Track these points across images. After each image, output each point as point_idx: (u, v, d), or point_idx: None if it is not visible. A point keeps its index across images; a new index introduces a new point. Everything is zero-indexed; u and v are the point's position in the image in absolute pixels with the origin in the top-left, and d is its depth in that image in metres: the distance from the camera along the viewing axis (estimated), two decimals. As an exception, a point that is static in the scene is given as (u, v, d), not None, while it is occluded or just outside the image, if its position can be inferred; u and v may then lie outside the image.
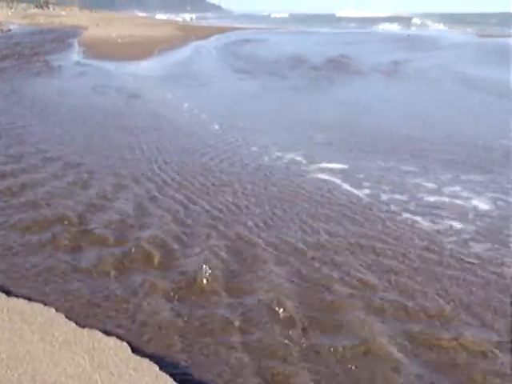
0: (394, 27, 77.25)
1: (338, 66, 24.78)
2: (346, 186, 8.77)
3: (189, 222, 7.08)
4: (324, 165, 9.92)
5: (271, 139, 11.60)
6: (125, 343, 4.25)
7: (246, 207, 7.70)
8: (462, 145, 11.50)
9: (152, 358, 4.14)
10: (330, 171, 9.55)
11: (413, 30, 63.50)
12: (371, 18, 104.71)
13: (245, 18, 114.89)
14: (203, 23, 75.10)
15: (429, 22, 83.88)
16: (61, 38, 38.47)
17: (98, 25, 50.00)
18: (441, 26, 74.51)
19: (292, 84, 20.08)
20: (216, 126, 12.86)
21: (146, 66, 26.11)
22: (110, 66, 24.07)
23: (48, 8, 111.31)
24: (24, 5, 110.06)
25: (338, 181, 9.03)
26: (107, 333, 4.41)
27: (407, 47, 35.91)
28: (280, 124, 13.42)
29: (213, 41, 40.32)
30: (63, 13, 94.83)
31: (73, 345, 4.17)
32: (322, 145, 11.49)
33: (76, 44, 34.00)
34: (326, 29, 64.19)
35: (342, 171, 9.55)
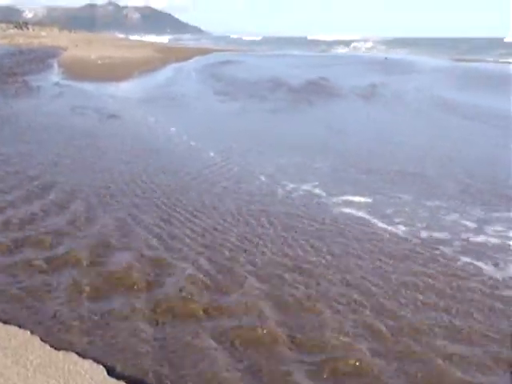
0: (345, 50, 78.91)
1: (316, 89, 25.03)
2: (380, 223, 8.10)
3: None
4: (346, 197, 9.28)
5: (274, 166, 11.19)
6: (101, 366, 4.20)
7: (281, 251, 6.92)
8: (468, 174, 11.00)
9: (128, 381, 4.10)
10: (355, 204, 8.94)
11: (390, 54, 64.43)
12: (343, 40, 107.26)
13: (219, 40, 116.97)
14: (183, 45, 75.47)
15: (382, 47, 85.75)
16: (40, 59, 38.32)
17: (77, 45, 49.95)
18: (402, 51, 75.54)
19: (273, 107, 20.18)
20: (211, 153, 12.29)
21: (126, 88, 26.14)
22: (89, 86, 24.06)
23: (27, 28, 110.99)
24: (3, 25, 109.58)
25: (367, 216, 8.37)
26: (83, 355, 4.35)
27: (383, 70, 36.40)
28: (275, 149, 13.00)
29: (192, 63, 40.49)
30: (43, 33, 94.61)
31: (48, 368, 4.11)
32: (331, 173, 11.00)
33: (55, 65, 33.91)
34: (300, 51, 65.07)
35: (366, 205, 8.93)
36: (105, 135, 14.04)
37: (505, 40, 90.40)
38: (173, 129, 15.09)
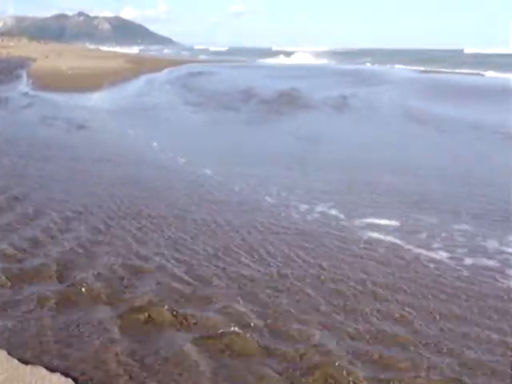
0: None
1: (289, 100, 25.18)
2: (415, 249, 7.44)
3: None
4: (369, 220, 8.59)
5: (277, 185, 10.61)
6: (70, 379, 4.12)
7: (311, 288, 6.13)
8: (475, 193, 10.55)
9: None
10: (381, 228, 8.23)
11: (360, 66, 65.24)
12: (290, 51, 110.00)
13: (186, 50, 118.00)
14: (154, 56, 75.28)
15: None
16: (8, 69, 37.86)
17: (47, 56, 49.50)
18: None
19: (247, 118, 20.27)
20: (207, 171, 11.55)
21: (97, 98, 25.95)
22: (59, 97, 23.81)
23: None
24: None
25: (398, 241, 7.68)
26: (51, 369, 4.27)
27: (353, 82, 36.87)
28: (265, 164, 12.57)
29: (164, 74, 40.44)
30: (11, 44, 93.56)
31: (15, 382, 4.02)
32: (346, 191, 10.47)
33: (24, 75, 33.53)
34: (267, 62, 65.63)
35: (394, 228, 8.21)
36: (73, 145, 13.89)
37: (465, 51, 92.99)
38: (145, 139, 15.00)
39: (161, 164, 12.22)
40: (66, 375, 4.19)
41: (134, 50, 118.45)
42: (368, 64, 71.37)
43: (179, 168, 11.89)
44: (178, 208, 8.91)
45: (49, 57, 48.91)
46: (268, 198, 9.70)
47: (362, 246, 7.50)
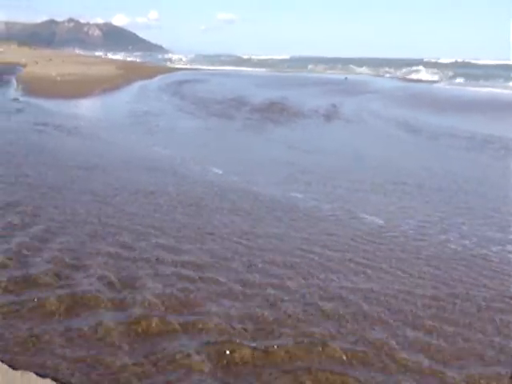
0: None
1: (280, 108, 25.31)
2: None
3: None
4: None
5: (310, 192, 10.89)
6: (60, 385, 4.11)
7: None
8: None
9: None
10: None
11: (349, 74, 65.75)
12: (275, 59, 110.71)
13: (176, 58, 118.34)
14: (146, 62, 75.16)
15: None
16: (-2, 75, 37.74)
17: (37, 62, 49.34)
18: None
19: (241, 125, 20.39)
20: (235, 179, 12.26)
21: (87, 105, 25.91)
22: (49, 104, 23.71)
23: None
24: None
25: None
26: (42, 375, 4.25)
27: (339, 91, 37.25)
28: (280, 173, 12.71)
29: (156, 81, 40.38)
30: (0, 49, 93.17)
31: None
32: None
33: (14, 81, 33.40)
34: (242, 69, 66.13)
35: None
36: (63, 151, 13.84)
37: (440, 61, 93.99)
38: (147, 145, 15.00)
39: (161, 165, 12.24)
40: (57, 380, 4.17)
41: (126, 56, 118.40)
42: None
43: (190, 168, 11.91)
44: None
45: (38, 63, 48.73)
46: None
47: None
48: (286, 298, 5.85)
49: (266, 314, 5.43)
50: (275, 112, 24.18)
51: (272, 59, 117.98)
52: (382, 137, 19.32)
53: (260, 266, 6.74)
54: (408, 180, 12.27)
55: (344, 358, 4.76)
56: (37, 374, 4.25)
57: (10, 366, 4.32)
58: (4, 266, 6.13)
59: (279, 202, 10.03)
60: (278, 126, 20.90)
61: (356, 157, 15.36)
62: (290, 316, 5.44)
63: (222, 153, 15.11)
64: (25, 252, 6.59)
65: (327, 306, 5.69)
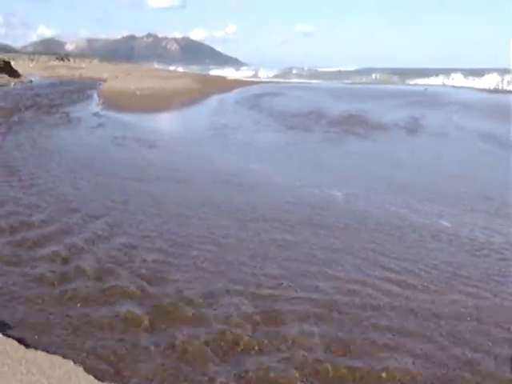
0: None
1: (359, 121, 24.39)
2: None
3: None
4: None
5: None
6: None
7: None
8: None
9: None
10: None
11: (430, 85, 63.59)
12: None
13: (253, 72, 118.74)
14: (224, 76, 75.63)
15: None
16: (80, 90, 38.92)
17: (117, 77, 50.60)
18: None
19: (322, 138, 19.80)
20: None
21: (166, 119, 26.01)
22: (128, 117, 23.90)
23: (68, 60, 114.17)
24: (45, 57, 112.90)
25: None
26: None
27: (419, 102, 35.72)
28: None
29: (234, 94, 40.13)
30: (83, 65, 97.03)
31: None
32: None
33: (95, 95, 34.21)
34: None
35: None
36: (145, 165, 13.67)
37: None
38: (241, 160, 14.62)
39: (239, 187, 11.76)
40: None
41: (203, 70, 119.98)
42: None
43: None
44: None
45: (118, 77, 49.91)
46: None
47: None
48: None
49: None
50: (354, 125, 23.26)
51: (341, 71, 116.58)
52: (475, 153, 18.06)
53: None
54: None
55: None
56: None
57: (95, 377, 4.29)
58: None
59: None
60: (362, 139, 20.01)
61: (454, 174, 14.39)
62: None
63: (318, 168, 14.51)
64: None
65: None
